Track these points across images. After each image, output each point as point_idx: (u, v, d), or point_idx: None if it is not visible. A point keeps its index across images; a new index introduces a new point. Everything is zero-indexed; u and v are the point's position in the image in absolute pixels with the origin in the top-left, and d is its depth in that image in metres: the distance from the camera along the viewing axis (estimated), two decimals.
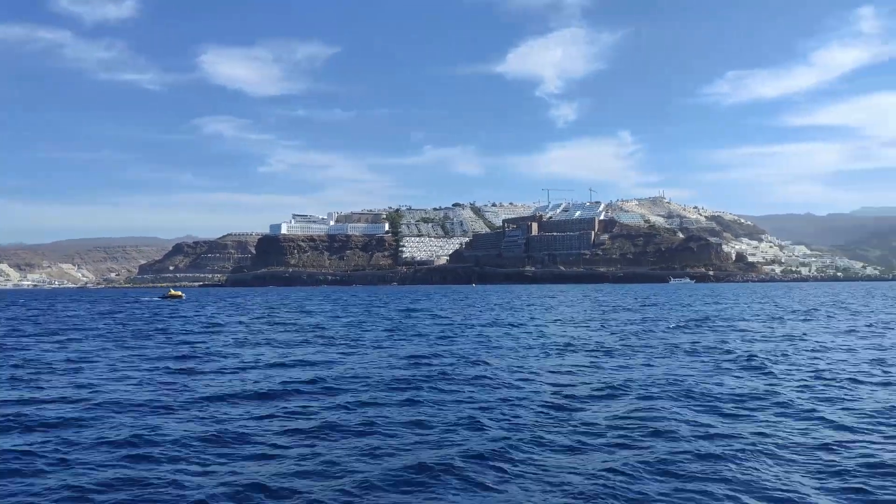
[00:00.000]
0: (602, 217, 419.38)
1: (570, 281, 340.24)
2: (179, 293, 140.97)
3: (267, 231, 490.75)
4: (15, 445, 13.37)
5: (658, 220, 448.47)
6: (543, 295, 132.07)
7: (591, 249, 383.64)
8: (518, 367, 24.35)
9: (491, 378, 21.60)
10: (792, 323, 46.67)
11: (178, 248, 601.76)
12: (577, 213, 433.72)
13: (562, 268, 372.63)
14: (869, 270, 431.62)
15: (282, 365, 25.39)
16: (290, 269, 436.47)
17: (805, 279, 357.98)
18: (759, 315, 56.71)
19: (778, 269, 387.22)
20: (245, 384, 20.77)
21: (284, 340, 36.15)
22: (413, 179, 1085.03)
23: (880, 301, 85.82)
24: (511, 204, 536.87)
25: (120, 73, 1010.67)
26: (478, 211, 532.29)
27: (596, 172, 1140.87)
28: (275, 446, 13.30)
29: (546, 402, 17.55)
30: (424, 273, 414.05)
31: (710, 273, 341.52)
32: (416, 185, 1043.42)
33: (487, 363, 25.35)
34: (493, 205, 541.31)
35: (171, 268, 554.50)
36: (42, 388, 20.36)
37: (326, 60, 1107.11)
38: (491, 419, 15.48)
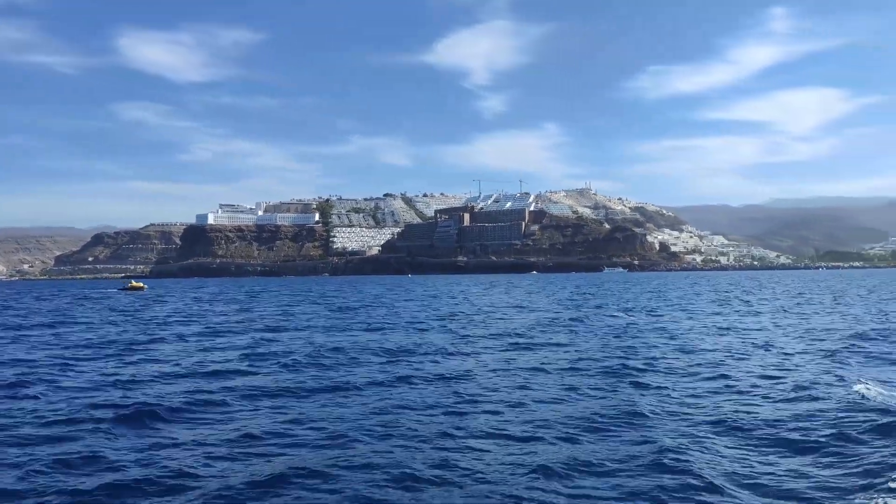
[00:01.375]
0: (532, 208, 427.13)
1: (501, 271, 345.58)
2: (141, 285, 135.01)
3: (193, 221, 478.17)
4: None
5: (585, 212, 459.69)
6: (511, 285, 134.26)
7: (522, 240, 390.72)
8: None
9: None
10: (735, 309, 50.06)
11: (98, 239, 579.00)
12: (508, 205, 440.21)
13: (493, 258, 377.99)
14: (782, 259, 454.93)
15: None
16: (218, 261, 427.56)
17: (724, 268, 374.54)
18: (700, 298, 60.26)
19: (699, 259, 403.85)
20: None
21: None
22: (341, 169, 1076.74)
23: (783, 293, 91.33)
24: (442, 195, 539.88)
25: (31, 55, 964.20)
26: (409, 201, 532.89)
27: (524, 164, 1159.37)
28: None
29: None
30: (357, 264, 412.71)
31: (636, 262, 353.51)
32: (344, 175, 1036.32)
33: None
34: (425, 195, 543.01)
35: (91, 259, 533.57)
36: None
37: (252, 47, 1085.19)
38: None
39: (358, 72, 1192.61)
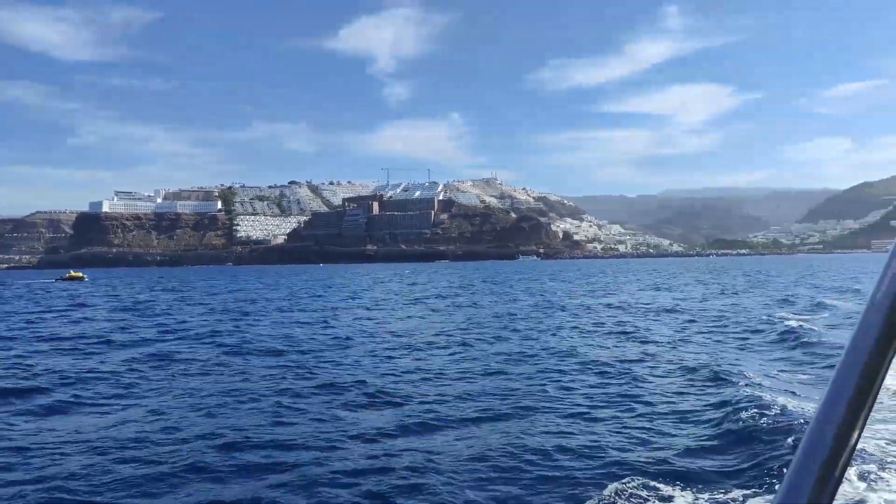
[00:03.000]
0: (441, 197, 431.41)
1: (411, 259, 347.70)
2: (81, 275, 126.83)
3: (85, 209, 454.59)
4: None
5: (492, 201, 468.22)
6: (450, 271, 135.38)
7: (432, 229, 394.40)
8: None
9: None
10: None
11: None
12: (417, 193, 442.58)
13: (403, 246, 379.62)
14: (675, 247, 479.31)
15: None
16: (115, 250, 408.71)
17: (623, 256, 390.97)
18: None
19: (599, 247, 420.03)
20: None
21: None
22: (244, 156, 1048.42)
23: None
24: (349, 183, 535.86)
25: None
26: (315, 189, 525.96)
27: (430, 152, 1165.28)
28: None
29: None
30: (262, 253, 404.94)
31: (541, 251, 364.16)
32: (247, 162, 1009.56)
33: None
34: (331, 183, 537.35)
35: None
36: None
37: (145, 26, 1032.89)
38: None
39: (259, 55, 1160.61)
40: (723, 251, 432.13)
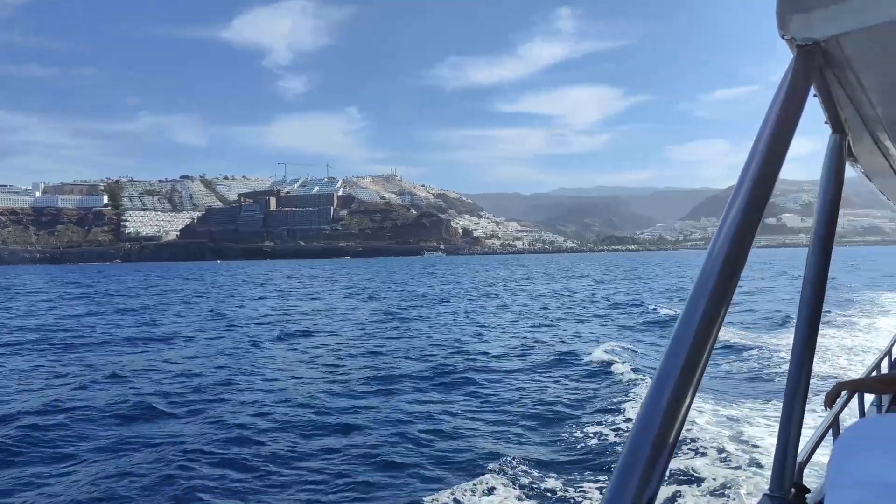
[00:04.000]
0: (340, 193, 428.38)
1: (311, 256, 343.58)
2: None
3: None
4: None
5: (392, 197, 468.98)
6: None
7: (331, 225, 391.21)
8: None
9: None
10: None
11: None
12: (316, 189, 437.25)
13: (302, 243, 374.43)
14: (569, 244, 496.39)
15: None
16: None
17: (521, 252, 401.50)
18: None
19: (497, 243, 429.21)
20: None
21: None
22: (131, 149, 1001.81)
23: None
24: (245, 178, 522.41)
25: None
26: (209, 184, 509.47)
27: (328, 147, 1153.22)
28: None
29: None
30: (153, 249, 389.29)
31: (442, 246, 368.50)
32: (135, 155, 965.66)
33: None
34: (226, 178, 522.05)
35: None
36: None
37: (19, 8, 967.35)
38: None
39: (145, 43, 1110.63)
40: (613, 247, 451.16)
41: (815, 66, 1.65)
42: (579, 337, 24.14)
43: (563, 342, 22.72)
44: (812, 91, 1.77)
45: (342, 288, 65.57)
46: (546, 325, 28.45)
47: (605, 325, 28.56)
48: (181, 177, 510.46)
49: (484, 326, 28.46)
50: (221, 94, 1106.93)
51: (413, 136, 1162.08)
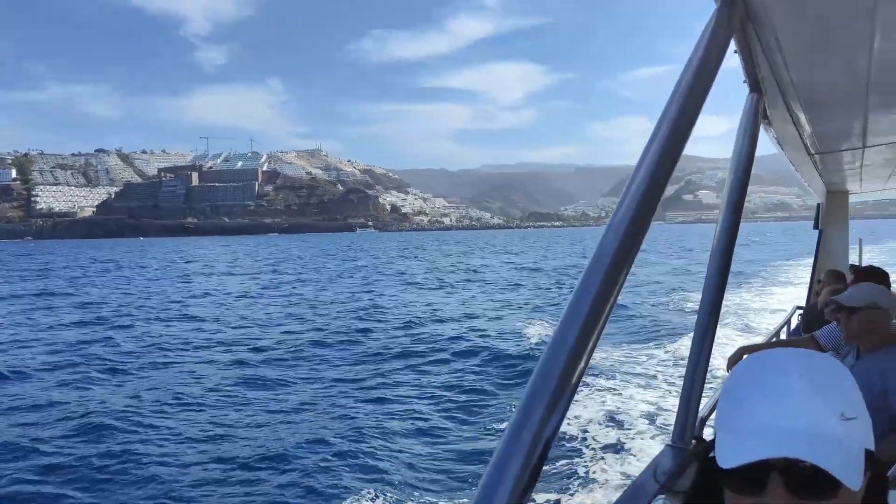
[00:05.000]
0: (265, 168, 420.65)
1: (235, 233, 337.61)
2: None
3: None
4: None
5: (318, 173, 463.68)
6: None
7: (256, 201, 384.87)
8: None
9: None
10: None
11: None
12: (240, 164, 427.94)
13: (226, 219, 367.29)
14: (496, 220, 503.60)
15: None
16: None
17: (448, 228, 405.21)
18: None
19: (426, 220, 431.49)
20: None
21: None
22: (39, 120, 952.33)
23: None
24: (164, 152, 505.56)
25: None
26: (126, 158, 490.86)
27: (250, 121, 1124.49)
28: None
29: None
30: (67, 226, 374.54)
31: (370, 223, 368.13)
32: (44, 128, 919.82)
33: None
34: (144, 152, 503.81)
35: None
36: None
37: None
38: None
39: (50, 8, 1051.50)
40: (539, 223, 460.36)
41: (737, 17, 1.55)
42: None
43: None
44: (733, 47, 1.68)
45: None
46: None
47: None
48: (96, 150, 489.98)
49: None
50: (135, 65, 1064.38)
51: (337, 111, 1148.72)
